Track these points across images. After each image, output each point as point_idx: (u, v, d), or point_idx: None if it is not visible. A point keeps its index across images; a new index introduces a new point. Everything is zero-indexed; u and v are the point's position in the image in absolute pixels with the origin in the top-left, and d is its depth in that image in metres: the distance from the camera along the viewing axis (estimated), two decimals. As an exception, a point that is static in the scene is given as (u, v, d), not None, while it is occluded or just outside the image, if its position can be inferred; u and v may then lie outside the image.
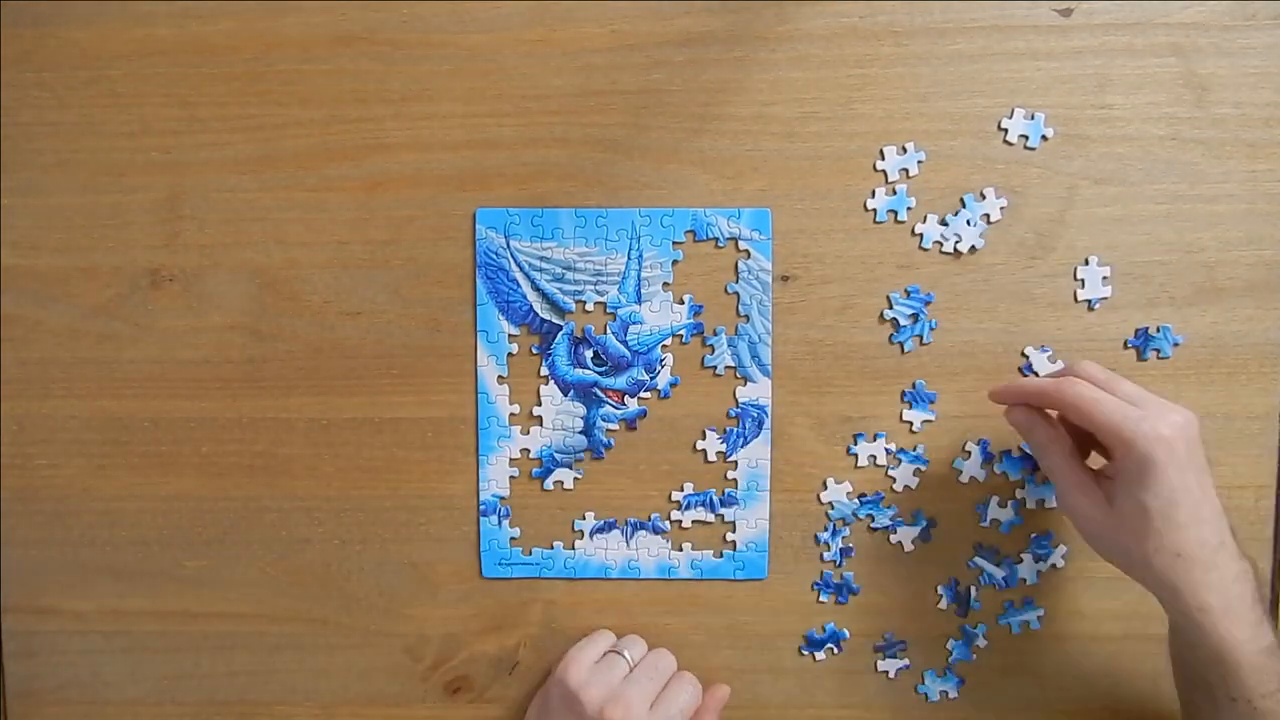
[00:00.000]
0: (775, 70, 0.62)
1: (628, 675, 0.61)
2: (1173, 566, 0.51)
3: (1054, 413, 0.57)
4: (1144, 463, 0.51)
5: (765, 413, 0.63)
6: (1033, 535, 0.64)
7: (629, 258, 0.63)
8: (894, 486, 0.64)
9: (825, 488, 0.64)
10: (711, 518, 0.64)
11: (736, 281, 0.63)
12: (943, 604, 0.64)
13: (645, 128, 0.62)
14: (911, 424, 0.63)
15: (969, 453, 0.63)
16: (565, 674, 0.61)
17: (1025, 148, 0.62)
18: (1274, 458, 0.63)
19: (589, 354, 0.63)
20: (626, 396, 0.64)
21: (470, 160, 0.63)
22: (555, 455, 0.64)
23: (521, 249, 0.63)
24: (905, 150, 0.62)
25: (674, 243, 0.63)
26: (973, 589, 0.64)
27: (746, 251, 0.62)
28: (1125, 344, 0.62)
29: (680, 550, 0.65)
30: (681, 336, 0.63)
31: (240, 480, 0.65)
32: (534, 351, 0.64)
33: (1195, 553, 0.51)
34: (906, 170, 0.62)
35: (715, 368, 0.63)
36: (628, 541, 0.65)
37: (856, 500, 0.64)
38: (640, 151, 0.62)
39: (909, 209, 0.62)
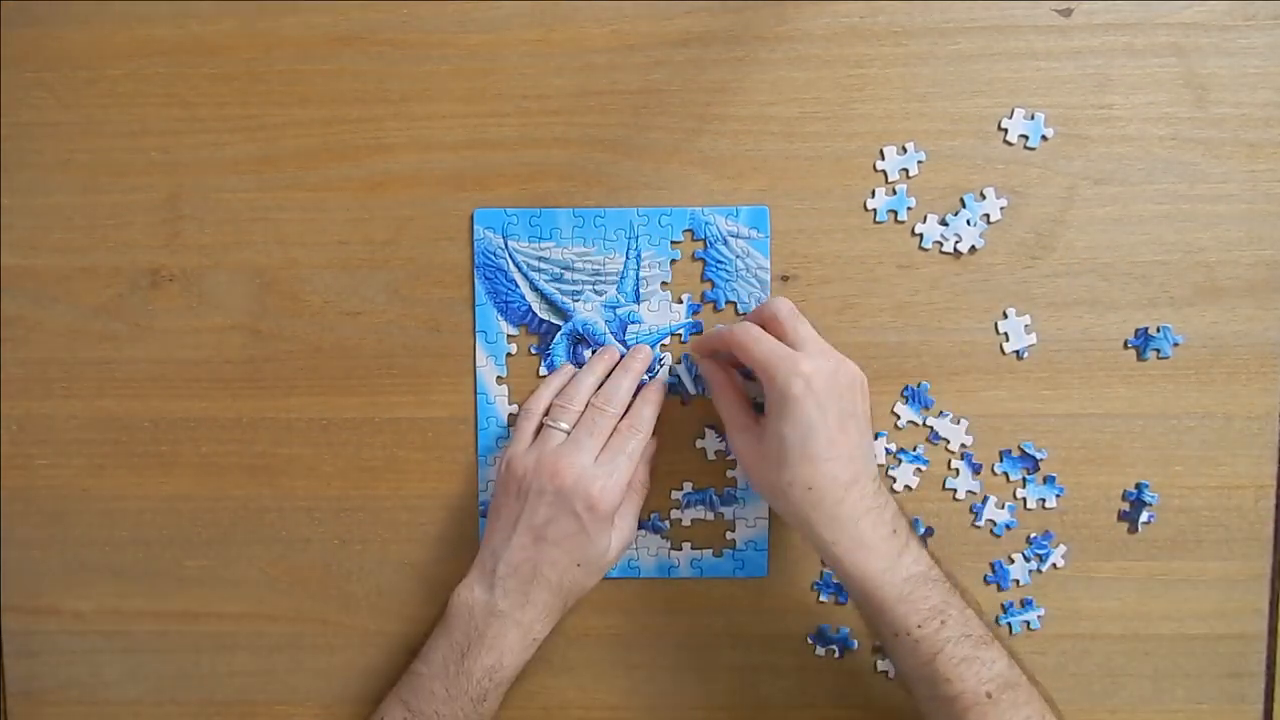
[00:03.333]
0: (775, 70, 0.62)
1: (563, 440, 0.59)
2: (804, 499, 0.54)
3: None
4: (783, 395, 0.54)
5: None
6: (1031, 535, 0.64)
7: (627, 257, 0.63)
8: (893, 487, 0.64)
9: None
10: (711, 516, 0.64)
11: (735, 281, 0.63)
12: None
13: (645, 128, 0.62)
14: (912, 424, 0.63)
15: (956, 470, 0.63)
16: (506, 462, 0.60)
17: (1025, 148, 0.62)
18: (1274, 458, 0.63)
19: (588, 354, 0.63)
20: (626, 396, 0.64)
21: (470, 160, 0.63)
22: (555, 455, 0.64)
23: (520, 249, 0.63)
24: (905, 150, 0.62)
25: (672, 242, 0.63)
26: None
27: (745, 250, 0.62)
28: (1125, 344, 0.62)
29: (680, 549, 0.65)
30: (681, 336, 0.63)
31: (240, 480, 0.65)
32: (533, 352, 0.64)
33: (825, 486, 0.54)
34: (906, 170, 0.62)
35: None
36: (627, 541, 0.65)
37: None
38: (640, 151, 0.62)
39: (909, 209, 0.62)
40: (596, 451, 0.59)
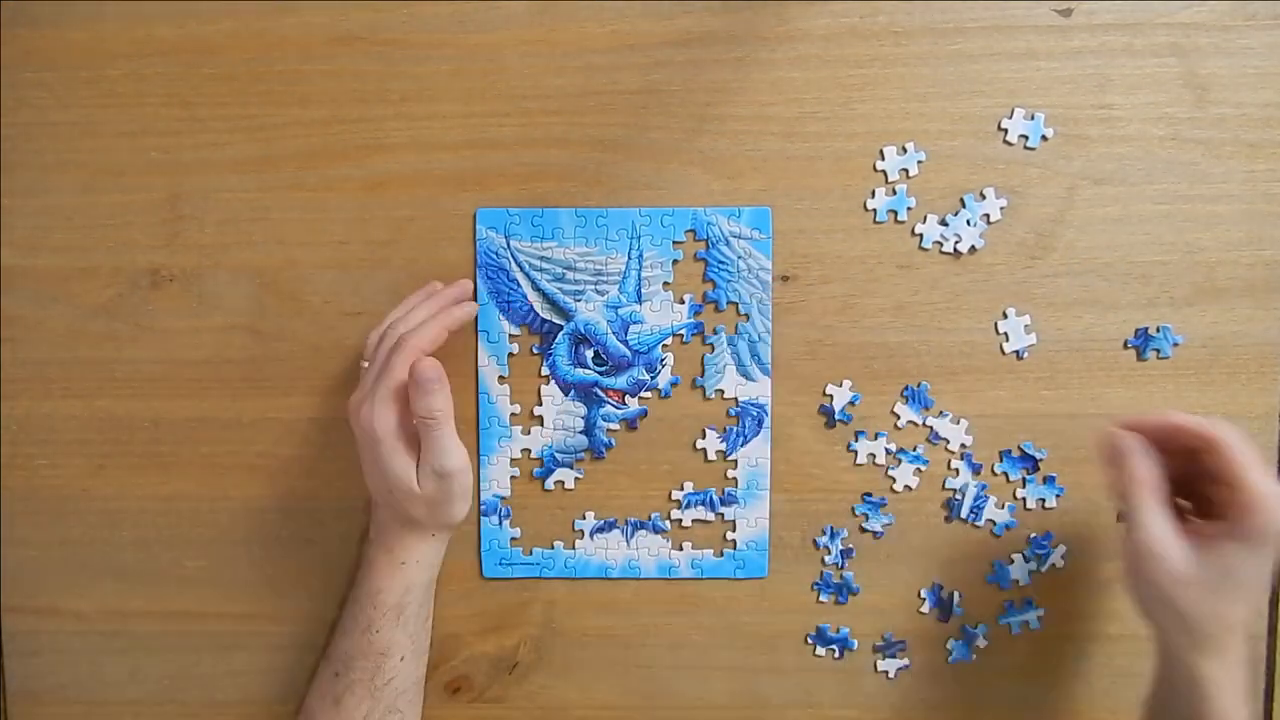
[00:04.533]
0: (775, 70, 0.62)
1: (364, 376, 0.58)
2: (1224, 640, 0.52)
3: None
4: (1265, 533, 0.51)
5: (765, 412, 0.63)
6: (1031, 535, 0.64)
7: (629, 257, 0.63)
8: (894, 487, 0.64)
9: (825, 488, 0.64)
10: (711, 517, 0.64)
11: (737, 281, 0.63)
12: (925, 608, 0.64)
13: (645, 128, 0.62)
14: (911, 424, 0.63)
15: (956, 470, 0.63)
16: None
17: (1025, 148, 0.62)
18: (1274, 458, 0.63)
19: (589, 354, 0.63)
20: (627, 396, 0.64)
21: (470, 160, 0.63)
22: (556, 455, 0.64)
23: (522, 249, 0.63)
24: (905, 150, 0.62)
25: (674, 242, 0.63)
26: (956, 594, 0.64)
27: (747, 251, 0.62)
28: (1125, 344, 0.62)
29: (680, 549, 0.65)
30: (682, 336, 0.63)
31: (240, 480, 0.65)
32: (534, 351, 0.64)
33: (1244, 633, 0.52)
34: (906, 170, 0.62)
35: (715, 367, 0.63)
36: (628, 541, 0.65)
37: (856, 500, 0.64)
38: (640, 151, 0.62)
39: (909, 209, 0.62)
40: (373, 381, 0.57)
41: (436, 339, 0.58)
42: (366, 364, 0.59)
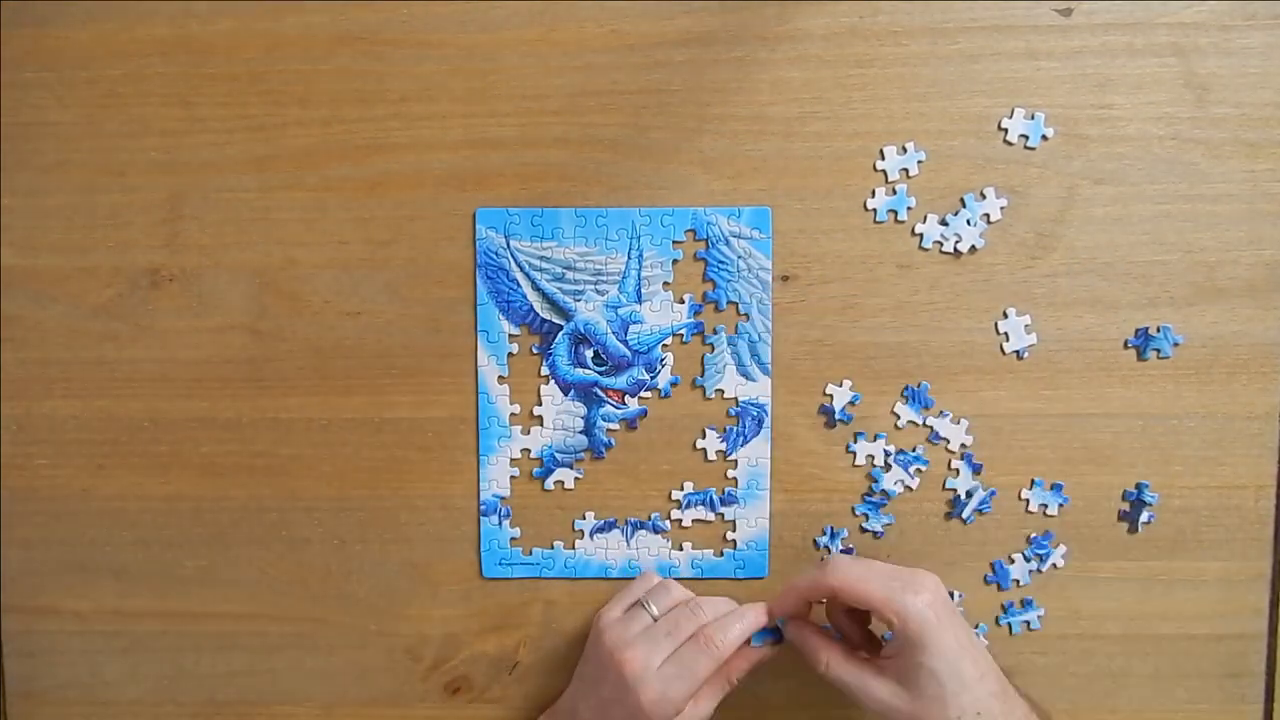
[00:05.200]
0: (775, 70, 0.62)
1: (649, 627, 0.59)
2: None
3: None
4: (921, 630, 0.54)
5: (765, 412, 0.63)
6: (1032, 535, 0.64)
7: (629, 257, 0.63)
8: (893, 487, 0.64)
9: (825, 488, 0.64)
10: (712, 517, 0.64)
11: (737, 281, 0.63)
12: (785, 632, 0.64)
13: (645, 128, 0.62)
14: (912, 424, 0.63)
15: (956, 470, 0.63)
16: (598, 623, 0.60)
17: (1025, 148, 0.62)
18: (1274, 458, 0.63)
19: (589, 354, 0.63)
20: (627, 396, 0.64)
21: (470, 160, 0.63)
22: (556, 455, 0.64)
23: (522, 249, 0.63)
24: (905, 150, 0.62)
25: (674, 242, 0.63)
26: (956, 594, 0.64)
27: (747, 251, 0.62)
28: (1125, 344, 0.62)
29: (680, 549, 0.65)
30: (682, 336, 0.63)
31: (240, 480, 0.65)
32: (534, 351, 0.64)
33: (991, 705, 0.54)
34: (906, 170, 0.62)
35: (715, 366, 0.63)
36: (628, 541, 0.65)
37: (856, 500, 0.64)
38: (640, 151, 0.62)
39: (909, 209, 0.62)
40: (668, 653, 0.57)
41: (735, 643, 0.58)
42: (646, 605, 0.60)
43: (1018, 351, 0.63)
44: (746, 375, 0.63)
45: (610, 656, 0.57)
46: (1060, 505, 0.63)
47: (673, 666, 0.57)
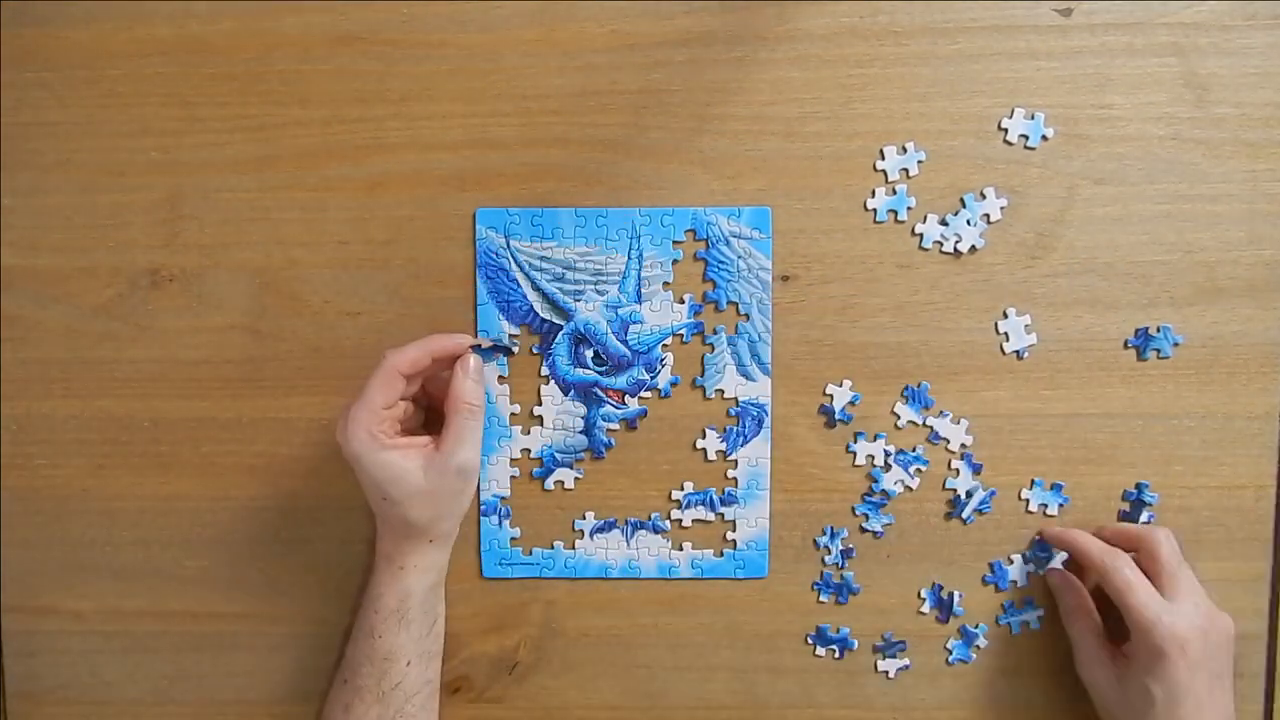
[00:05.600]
0: (775, 70, 0.62)
1: None
2: None
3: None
4: (1156, 653, 0.55)
5: (765, 412, 0.63)
6: (1036, 538, 0.64)
7: (629, 257, 0.63)
8: (893, 486, 0.64)
9: (825, 488, 0.64)
10: (711, 517, 0.64)
11: (737, 281, 0.63)
12: (925, 608, 0.64)
13: (645, 128, 0.62)
14: (912, 424, 0.63)
15: (956, 470, 0.63)
16: None
17: (1025, 148, 0.62)
18: (1274, 458, 0.63)
19: (589, 354, 0.63)
20: (627, 396, 0.64)
21: (470, 160, 0.63)
22: (556, 455, 0.64)
23: (522, 249, 0.63)
24: (905, 150, 0.62)
25: (674, 242, 0.63)
26: (956, 594, 0.64)
27: (747, 251, 0.62)
28: (1125, 344, 0.62)
29: (680, 549, 0.65)
30: (682, 336, 0.63)
31: (240, 480, 0.65)
32: (534, 351, 0.64)
33: None
34: (906, 170, 0.62)
35: (715, 366, 0.63)
36: (628, 541, 0.65)
37: (856, 500, 0.64)
38: (640, 151, 0.62)
39: (909, 209, 0.62)
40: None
41: (417, 360, 0.58)
42: None
43: (1018, 351, 0.63)
44: (746, 375, 0.63)
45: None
46: (1060, 505, 0.63)
47: (353, 399, 0.57)
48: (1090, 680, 0.60)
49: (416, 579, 0.59)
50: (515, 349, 0.62)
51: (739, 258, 0.62)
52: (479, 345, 0.60)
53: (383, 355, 0.57)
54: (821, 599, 0.65)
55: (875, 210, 0.62)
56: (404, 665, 0.58)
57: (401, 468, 0.56)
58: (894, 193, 0.62)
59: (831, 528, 0.64)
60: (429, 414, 0.62)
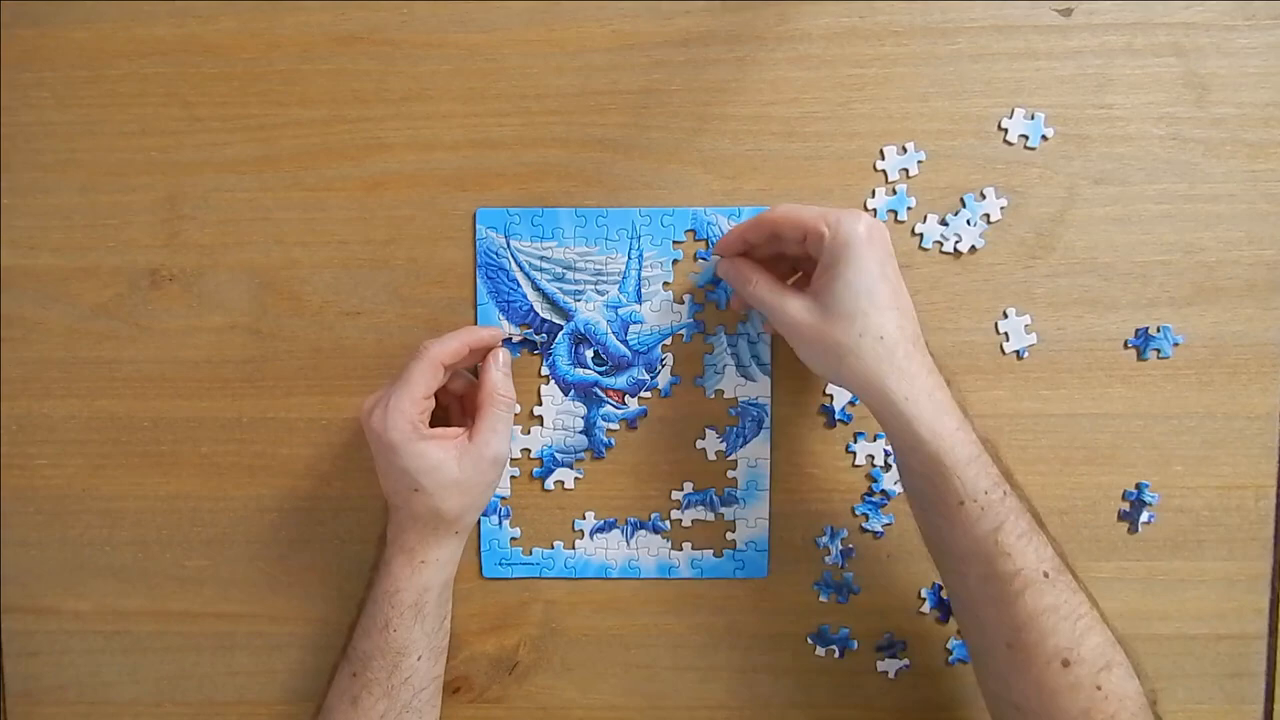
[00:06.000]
0: (775, 70, 0.62)
1: None
2: (876, 351, 0.52)
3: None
4: (848, 242, 0.53)
5: (765, 412, 0.63)
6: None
7: (629, 257, 0.63)
8: (893, 486, 0.64)
9: (825, 488, 0.64)
10: (711, 517, 0.64)
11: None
12: (925, 608, 0.64)
13: (645, 128, 0.62)
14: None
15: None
16: None
17: (1025, 148, 0.62)
18: (1274, 458, 0.63)
19: (589, 354, 0.63)
20: (627, 396, 0.64)
21: (470, 160, 0.63)
22: (556, 455, 0.64)
23: (522, 249, 0.63)
24: (905, 150, 0.62)
25: (674, 242, 0.63)
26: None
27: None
28: (1125, 344, 0.62)
29: (680, 549, 0.65)
30: (682, 336, 0.63)
31: (240, 480, 0.65)
32: (534, 352, 0.64)
33: (896, 336, 0.53)
34: (906, 170, 0.62)
35: (715, 366, 0.63)
36: (628, 541, 0.65)
37: (856, 500, 0.64)
38: (640, 151, 0.62)
39: (909, 209, 0.62)
40: (388, 386, 0.57)
41: (458, 351, 0.58)
42: None
43: (1018, 351, 0.63)
44: (746, 375, 0.63)
45: (365, 432, 0.57)
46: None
47: (393, 386, 0.57)
48: (790, 317, 0.55)
49: (435, 572, 0.59)
50: (541, 340, 0.62)
51: (739, 258, 0.62)
52: (509, 338, 0.61)
53: (423, 346, 0.57)
54: (821, 599, 0.65)
55: (875, 210, 0.62)
56: (415, 660, 0.58)
57: (438, 458, 0.56)
58: (894, 193, 0.62)
59: (831, 528, 0.64)
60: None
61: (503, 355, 0.60)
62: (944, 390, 0.53)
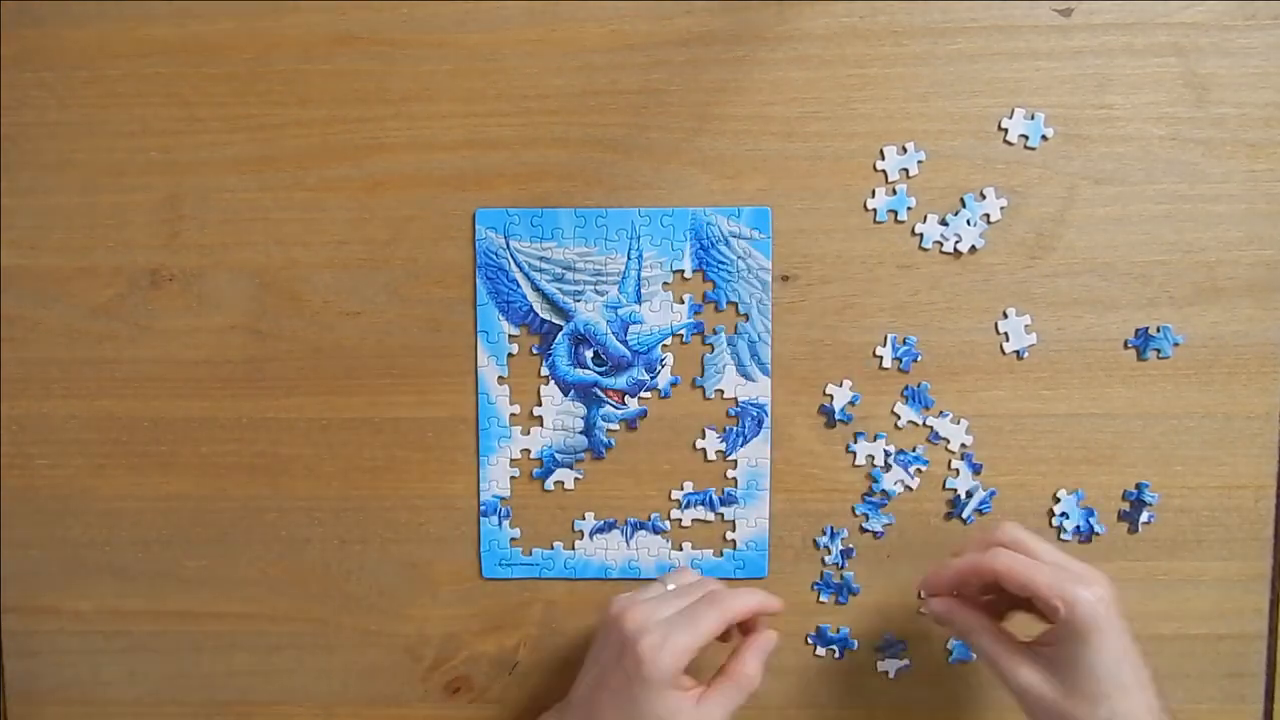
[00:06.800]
0: (775, 70, 0.62)
1: (661, 593, 0.57)
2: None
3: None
4: (1087, 625, 0.51)
5: (765, 412, 0.63)
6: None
7: (629, 258, 0.63)
8: (893, 486, 0.64)
9: (825, 488, 0.64)
10: (711, 517, 0.64)
11: (736, 281, 0.63)
12: (925, 608, 0.64)
13: (645, 128, 0.62)
14: (912, 424, 0.63)
15: (957, 471, 0.63)
16: (607, 607, 0.57)
17: (1025, 148, 0.62)
18: (1274, 458, 0.63)
19: (589, 354, 0.63)
20: (627, 396, 0.64)
21: (470, 160, 0.63)
22: (555, 455, 0.64)
23: (521, 249, 0.63)
24: (905, 150, 0.62)
25: (673, 242, 0.63)
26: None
27: (746, 251, 0.62)
28: (1125, 344, 0.62)
29: (680, 550, 0.65)
30: (682, 336, 0.63)
31: (240, 480, 0.65)
32: (534, 352, 0.64)
33: (1142, 718, 0.51)
34: (906, 170, 0.62)
35: (715, 367, 0.63)
36: (628, 541, 0.65)
37: (856, 500, 0.64)
38: (640, 151, 0.62)
39: (909, 209, 0.62)
40: (675, 610, 0.55)
41: (748, 613, 0.56)
42: (662, 580, 0.58)
43: (1018, 351, 0.63)
44: (746, 375, 0.63)
45: (615, 619, 0.55)
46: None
47: (679, 617, 0.54)
48: (1027, 687, 0.53)
49: None
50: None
51: (739, 258, 0.62)
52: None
53: (717, 593, 0.56)
54: (821, 599, 0.65)
55: (875, 210, 0.62)
56: None
57: (674, 708, 0.53)
58: (894, 193, 0.62)
59: (831, 528, 0.64)
60: None
61: (771, 641, 0.57)
62: None
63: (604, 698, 0.54)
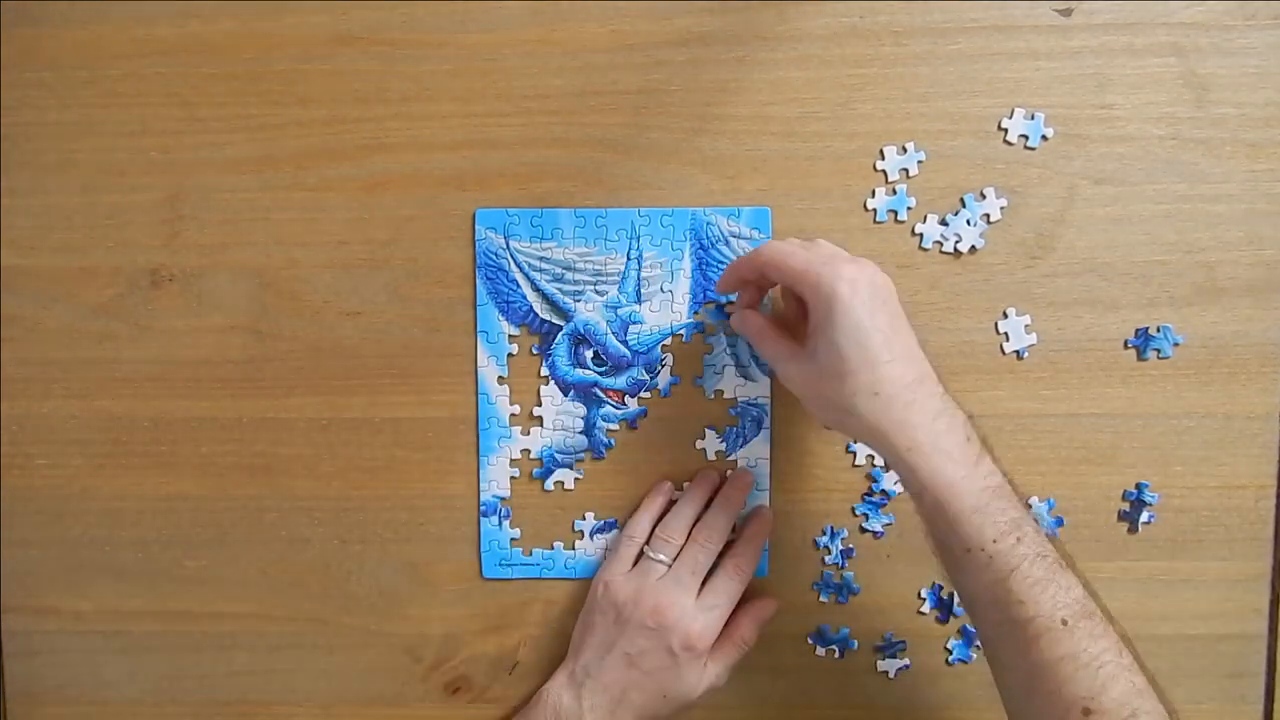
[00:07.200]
0: (775, 70, 0.62)
1: (665, 574, 0.60)
2: (872, 407, 0.51)
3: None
4: (830, 301, 0.51)
5: (765, 412, 0.63)
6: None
7: (628, 258, 0.63)
8: (893, 486, 0.63)
9: (825, 488, 0.64)
10: (711, 518, 0.64)
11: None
12: (925, 608, 0.64)
13: (645, 128, 0.62)
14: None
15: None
16: (605, 584, 0.61)
17: (1025, 148, 0.62)
18: (1274, 458, 0.63)
19: (589, 354, 0.63)
20: (627, 396, 0.64)
21: (470, 160, 0.63)
22: (556, 455, 0.64)
23: (521, 249, 0.63)
24: (905, 150, 0.62)
25: (674, 243, 0.63)
26: (956, 594, 0.64)
27: (746, 251, 0.62)
28: (1125, 344, 0.62)
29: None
30: (681, 336, 0.63)
31: (240, 480, 0.65)
32: (534, 352, 0.64)
33: (892, 390, 0.51)
34: (906, 170, 0.62)
35: (714, 367, 0.63)
36: (628, 541, 0.65)
37: (856, 500, 0.64)
38: (640, 151, 0.62)
39: (909, 209, 0.62)
40: (697, 589, 0.60)
41: (755, 564, 0.62)
42: (654, 557, 0.61)
43: (1018, 351, 0.63)
44: (746, 375, 0.63)
45: (637, 607, 0.59)
46: (1056, 527, 0.63)
47: (709, 597, 0.60)
48: (790, 378, 0.55)
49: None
50: None
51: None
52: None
53: (737, 563, 0.61)
54: (821, 599, 0.65)
55: (875, 210, 0.62)
56: None
57: (699, 674, 0.59)
58: (894, 193, 0.62)
59: (831, 528, 0.64)
60: None
61: (769, 610, 0.63)
62: (954, 433, 0.52)
63: (635, 676, 0.59)
